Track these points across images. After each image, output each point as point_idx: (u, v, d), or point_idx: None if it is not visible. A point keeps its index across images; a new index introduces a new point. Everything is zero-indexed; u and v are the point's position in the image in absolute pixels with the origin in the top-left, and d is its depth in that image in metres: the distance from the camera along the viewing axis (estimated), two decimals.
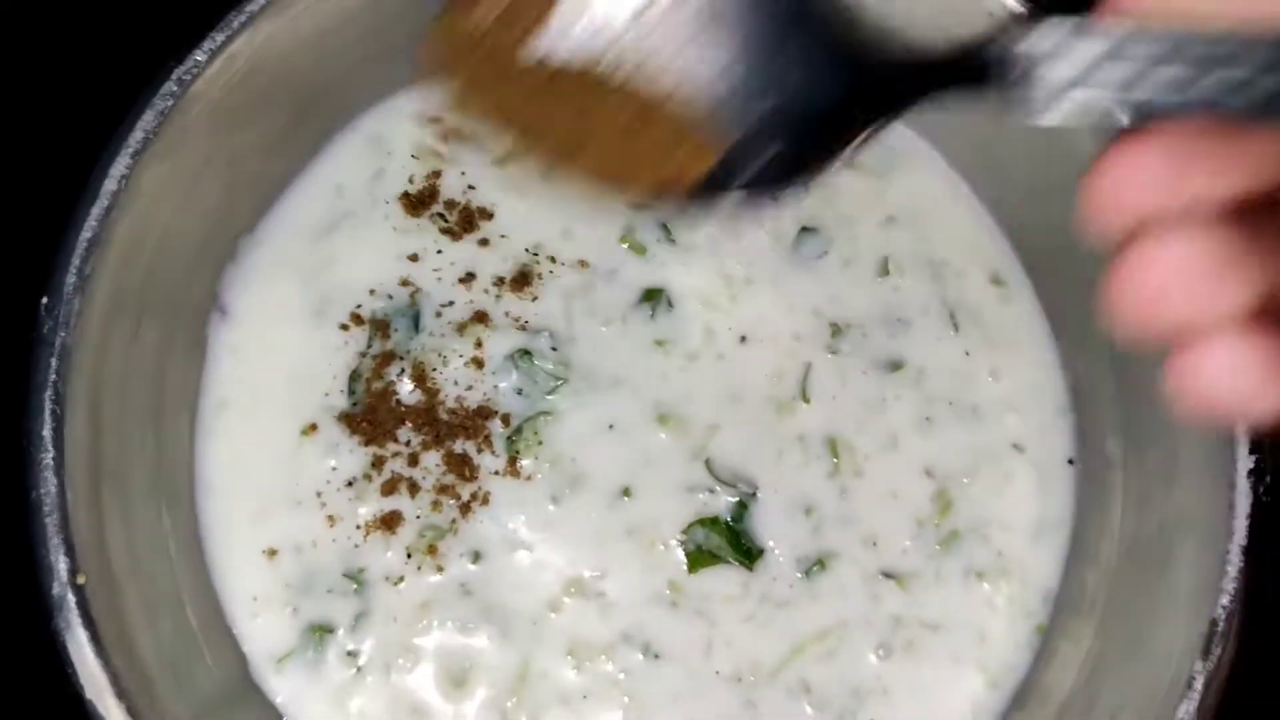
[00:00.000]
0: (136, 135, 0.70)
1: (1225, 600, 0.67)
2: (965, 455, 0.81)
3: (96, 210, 0.68)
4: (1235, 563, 0.67)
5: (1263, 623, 0.70)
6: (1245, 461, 0.68)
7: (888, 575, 0.78)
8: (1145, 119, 0.39)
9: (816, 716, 0.76)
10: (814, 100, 0.49)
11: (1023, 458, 0.81)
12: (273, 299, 0.80)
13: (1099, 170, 0.39)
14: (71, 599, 0.63)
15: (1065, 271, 0.82)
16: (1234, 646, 0.67)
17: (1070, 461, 0.82)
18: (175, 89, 0.70)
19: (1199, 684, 0.66)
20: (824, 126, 0.49)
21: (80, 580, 0.63)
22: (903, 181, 0.85)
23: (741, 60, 0.50)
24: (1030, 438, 0.82)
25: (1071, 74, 0.40)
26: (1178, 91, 0.38)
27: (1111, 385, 0.80)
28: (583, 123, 0.52)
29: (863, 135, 0.49)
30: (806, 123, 0.49)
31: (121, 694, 0.62)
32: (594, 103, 0.51)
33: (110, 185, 0.69)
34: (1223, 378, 0.38)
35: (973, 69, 0.43)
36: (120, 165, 0.69)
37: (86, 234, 0.68)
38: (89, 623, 0.63)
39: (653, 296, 0.81)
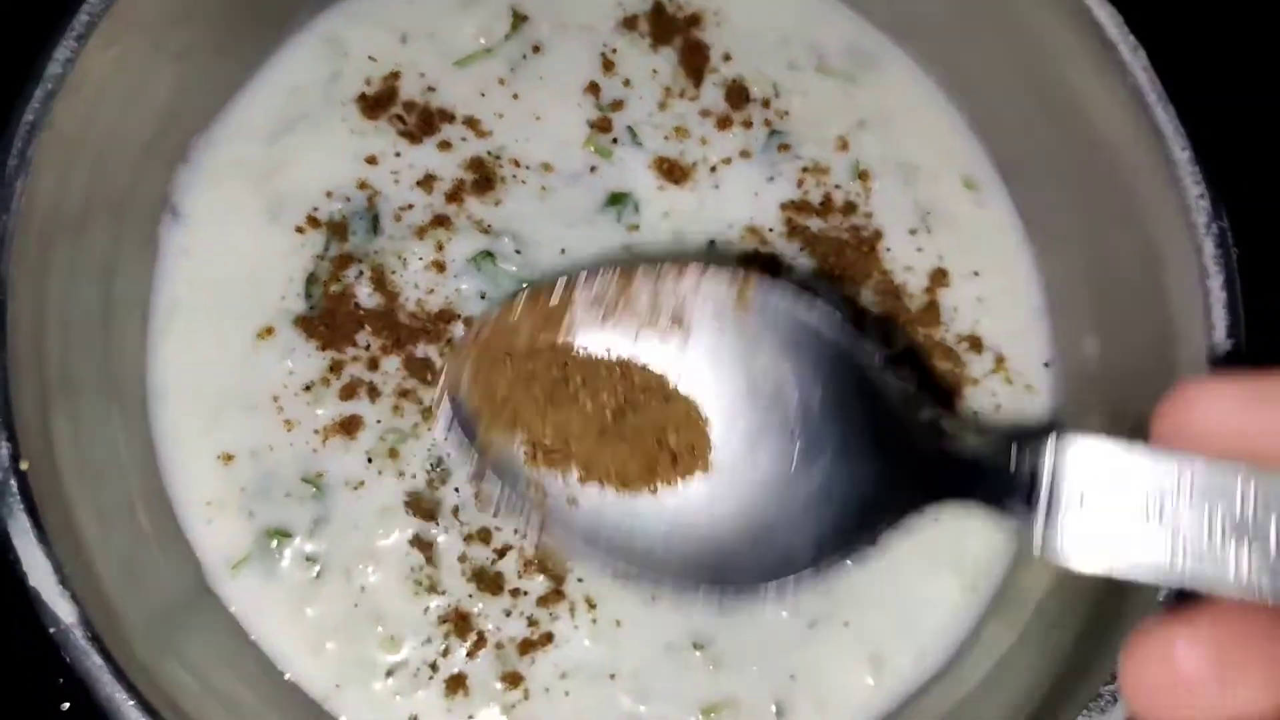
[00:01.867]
0: (81, 18, 0.67)
1: None
2: (942, 359, 0.79)
3: (39, 93, 0.66)
4: None
5: None
6: (1223, 345, 0.67)
7: None
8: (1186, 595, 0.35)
9: (790, 620, 0.74)
10: (850, 483, 0.49)
11: (1000, 361, 0.79)
12: (226, 201, 0.78)
13: (1133, 655, 0.35)
14: (14, 484, 0.60)
15: (1039, 174, 0.81)
16: None
17: (1046, 364, 0.80)
18: None
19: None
20: (852, 513, 0.49)
21: (23, 466, 0.61)
22: (873, 85, 0.84)
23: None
24: (1008, 342, 0.80)
25: (1098, 528, 0.36)
26: (1229, 571, 0.33)
27: (1086, 285, 0.78)
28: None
29: (888, 526, 0.49)
30: (840, 508, 0.49)
31: (64, 581, 0.60)
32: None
33: (54, 69, 0.66)
34: None
35: (996, 485, 0.41)
36: (64, 49, 0.67)
37: (29, 116, 0.65)
38: (31, 509, 0.60)
39: (618, 200, 0.79)
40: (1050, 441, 0.40)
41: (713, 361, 0.56)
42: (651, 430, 0.56)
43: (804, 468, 0.54)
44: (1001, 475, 0.42)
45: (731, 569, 0.55)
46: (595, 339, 0.57)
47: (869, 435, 0.52)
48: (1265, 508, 0.34)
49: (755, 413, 0.56)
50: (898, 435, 0.51)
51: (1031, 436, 0.42)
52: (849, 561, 0.72)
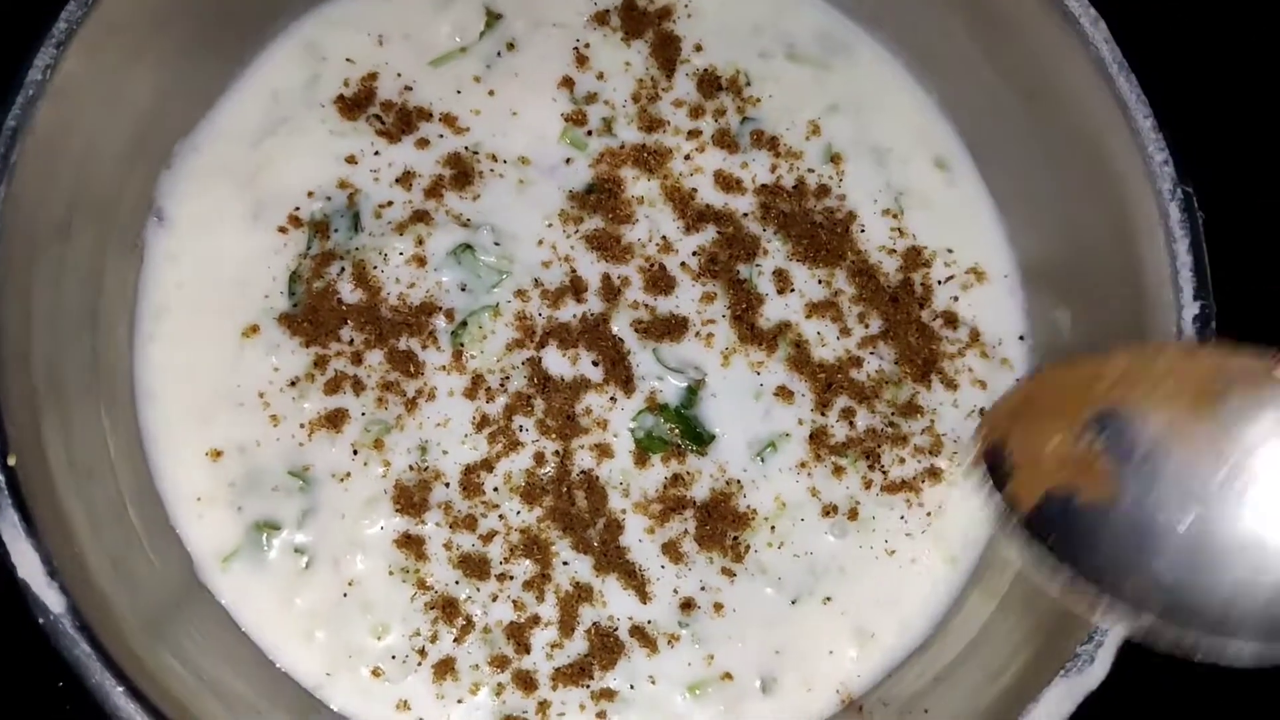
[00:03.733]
0: (60, 26, 0.69)
1: None
2: (918, 336, 0.80)
3: (20, 99, 0.67)
4: None
5: None
6: (1191, 308, 0.68)
7: (841, 456, 0.77)
8: None
9: (774, 596, 0.75)
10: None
11: (975, 336, 0.80)
12: (210, 204, 0.79)
13: None
14: (2, 479, 0.62)
15: (1008, 151, 0.82)
16: None
17: (1021, 337, 0.81)
18: None
19: None
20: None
21: (11, 461, 0.62)
22: (843, 70, 0.85)
23: None
24: (983, 317, 0.81)
25: None
26: None
27: (1058, 258, 0.79)
28: None
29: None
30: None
31: (53, 573, 0.61)
32: None
33: (34, 75, 0.68)
34: None
35: None
36: (44, 55, 0.68)
37: (11, 122, 0.67)
38: (19, 503, 0.62)
39: (595, 190, 0.81)
40: None
41: None
42: None
43: None
44: None
45: None
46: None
47: None
48: None
49: None
50: None
51: None
52: (830, 535, 0.73)
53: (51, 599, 0.62)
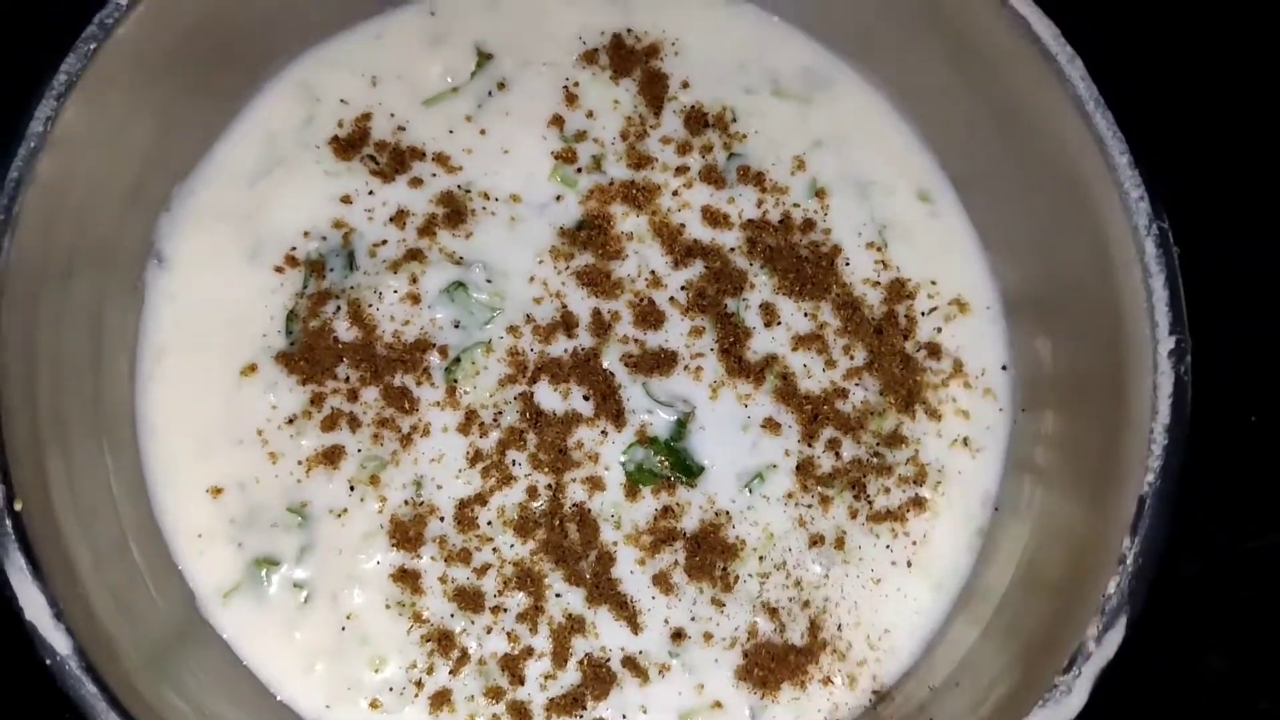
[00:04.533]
0: (60, 78, 0.71)
1: (1151, 478, 0.67)
2: (902, 368, 0.81)
3: (23, 150, 0.69)
4: (1160, 441, 0.68)
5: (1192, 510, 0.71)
6: (1166, 343, 0.69)
7: (827, 486, 0.79)
8: None
9: (764, 625, 0.77)
10: None
11: (958, 366, 0.82)
12: (208, 245, 0.81)
13: None
14: (8, 523, 0.64)
15: (989, 183, 0.83)
16: (1165, 528, 0.68)
17: (1004, 368, 0.82)
18: (97, 32, 0.71)
19: (1129, 561, 0.66)
20: None
21: (17, 506, 0.64)
22: (827, 105, 0.87)
23: None
24: (966, 348, 0.82)
25: None
26: None
27: (1039, 289, 0.81)
28: None
29: None
30: None
31: (59, 615, 0.63)
32: None
33: (35, 127, 0.70)
34: None
35: None
36: (45, 107, 0.70)
37: (13, 174, 0.69)
38: (25, 547, 0.63)
39: (585, 227, 0.82)
40: None
41: None
42: None
43: None
44: None
45: None
46: None
47: None
48: None
49: None
50: None
51: None
52: (817, 565, 0.75)
53: (59, 641, 0.63)
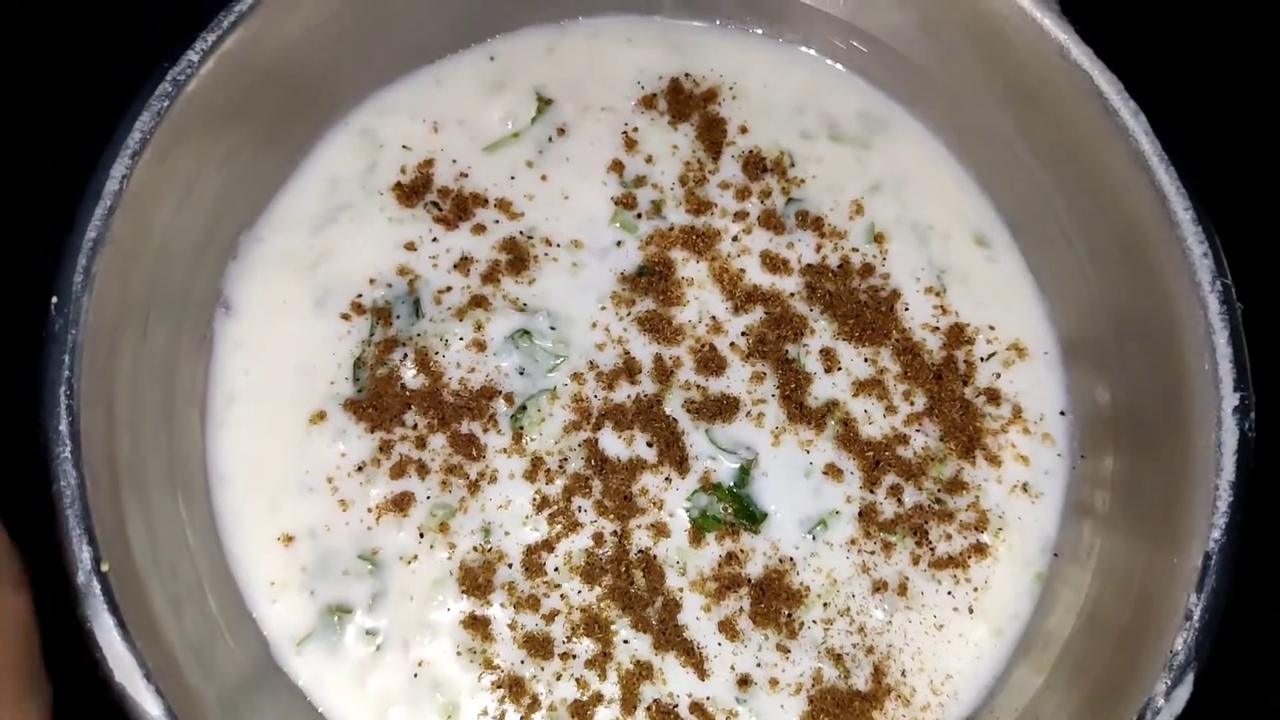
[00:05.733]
0: (134, 136, 0.71)
1: (1217, 535, 0.68)
2: (962, 413, 0.82)
3: (100, 210, 0.70)
4: (1225, 498, 0.69)
5: (1260, 561, 0.72)
6: (1231, 399, 0.70)
7: (889, 533, 0.80)
8: None
9: (826, 668, 0.78)
10: None
11: (1017, 412, 0.83)
12: (275, 293, 0.82)
13: None
14: (97, 586, 0.64)
15: (1048, 230, 0.84)
16: (1231, 583, 0.69)
17: (1063, 413, 0.83)
18: (170, 89, 0.72)
19: (1196, 617, 0.67)
20: None
21: (104, 568, 0.65)
22: (885, 149, 0.87)
23: None
24: (1024, 394, 0.83)
25: None
26: None
27: (1098, 336, 0.81)
28: None
29: None
30: None
31: (149, 675, 0.64)
32: None
33: (111, 185, 0.70)
34: None
35: None
36: (120, 166, 0.71)
37: (91, 234, 0.70)
38: (114, 608, 0.64)
39: (645, 273, 0.83)
40: None
41: None
42: None
43: None
44: None
45: None
46: None
47: None
48: None
49: None
50: None
51: None
52: (880, 611, 0.76)
53: (149, 702, 0.64)
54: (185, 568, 0.74)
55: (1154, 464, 0.76)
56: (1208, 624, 0.68)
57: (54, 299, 0.68)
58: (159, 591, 0.70)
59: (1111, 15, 0.77)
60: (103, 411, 0.70)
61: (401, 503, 0.79)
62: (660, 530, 0.79)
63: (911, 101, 0.87)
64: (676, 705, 0.77)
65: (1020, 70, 0.80)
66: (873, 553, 0.80)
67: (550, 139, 0.85)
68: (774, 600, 0.78)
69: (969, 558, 0.80)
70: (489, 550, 0.78)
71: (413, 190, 0.84)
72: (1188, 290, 0.72)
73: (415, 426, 0.80)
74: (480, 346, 0.81)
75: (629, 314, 0.82)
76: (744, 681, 0.77)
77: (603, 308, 0.83)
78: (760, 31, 0.88)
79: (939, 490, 0.81)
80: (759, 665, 0.78)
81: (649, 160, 0.86)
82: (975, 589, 0.80)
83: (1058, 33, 0.76)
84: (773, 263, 0.84)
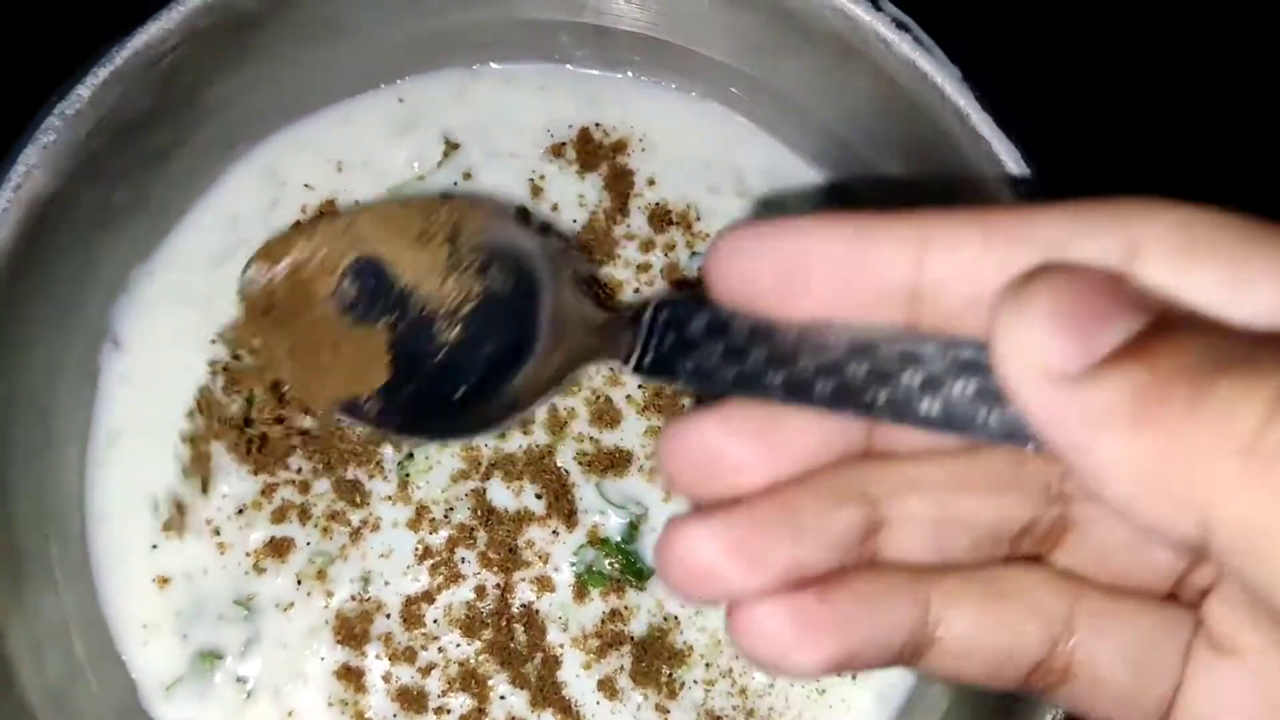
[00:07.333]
0: (18, 169, 0.70)
1: None
2: None
3: None
4: None
5: None
6: None
7: None
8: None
9: None
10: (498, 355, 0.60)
11: None
12: (166, 329, 0.81)
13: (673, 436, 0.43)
14: None
15: None
16: None
17: None
18: (58, 123, 0.71)
19: None
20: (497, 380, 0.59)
21: None
22: (790, 205, 0.87)
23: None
24: None
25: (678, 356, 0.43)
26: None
27: None
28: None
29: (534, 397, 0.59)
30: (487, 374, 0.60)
31: None
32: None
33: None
34: (760, 634, 0.41)
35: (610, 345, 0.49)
36: (2, 200, 0.70)
37: None
38: None
39: None
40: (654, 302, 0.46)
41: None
42: None
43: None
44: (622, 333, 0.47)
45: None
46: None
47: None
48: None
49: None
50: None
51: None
52: (763, 675, 0.75)
53: None
54: (51, 609, 0.73)
55: None
56: None
57: None
58: (18, 635, 0.69)
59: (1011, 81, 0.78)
60: None
61: (280, 548, 0.77)
62: (544, 584, 0.78)
63: (819, 162, 0.87)
64: None
65: (926, 136, 0.80)
66: None
67: (455, 184, 0.85)
68: (655, 659, 0.77)
69: None
70: (367, 600, 0.77)
71: None
72: None
73: (300, 470, 0.79)
74: None
75: None
76: None
77: None
78: (674, 86, 0.88)
79: None
80: None
81: (554, 208, 0.85)
82: None
83: (956, 98, 0.76)
84: None
